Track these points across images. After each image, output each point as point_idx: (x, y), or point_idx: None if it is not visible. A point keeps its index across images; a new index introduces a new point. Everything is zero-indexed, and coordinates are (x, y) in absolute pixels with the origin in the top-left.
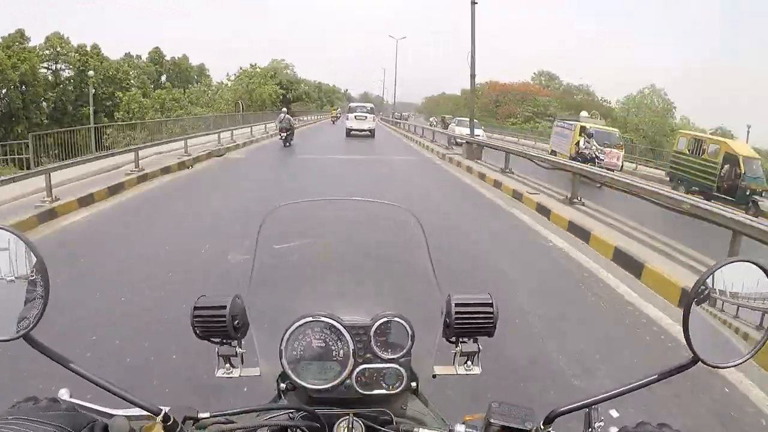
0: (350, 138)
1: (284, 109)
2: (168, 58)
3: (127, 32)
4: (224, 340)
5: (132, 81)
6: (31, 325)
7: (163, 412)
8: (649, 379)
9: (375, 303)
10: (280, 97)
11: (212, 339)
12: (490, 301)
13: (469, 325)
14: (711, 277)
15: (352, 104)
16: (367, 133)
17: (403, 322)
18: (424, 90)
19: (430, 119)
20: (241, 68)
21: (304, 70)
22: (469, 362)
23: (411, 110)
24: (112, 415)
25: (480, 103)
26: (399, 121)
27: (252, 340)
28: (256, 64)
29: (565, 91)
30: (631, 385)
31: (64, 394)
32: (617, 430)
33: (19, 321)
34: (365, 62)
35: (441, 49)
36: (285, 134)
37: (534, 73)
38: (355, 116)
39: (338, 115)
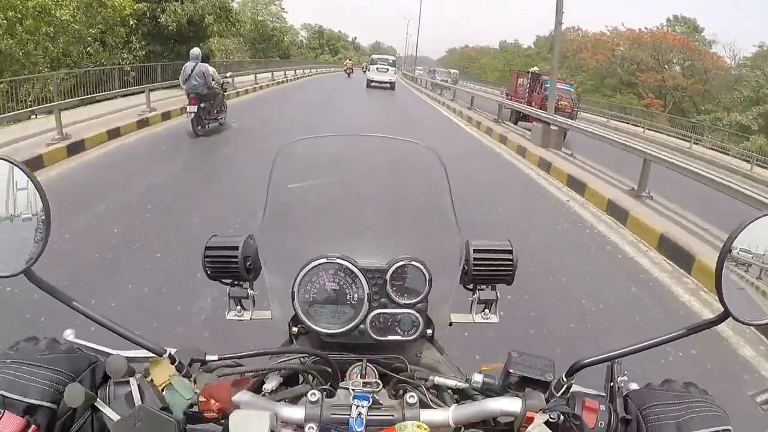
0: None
1: (195, 51)
2: None
3: None
4: (236, 282)
5: None
6: (32, 261)
7: (168, 352)
8: (676, 333)
9: (392, 246)
10: (129, 23)
11: (223, 280)
12: (510, 248)
13: (487, 272)
14: (743, 232)
15: (374, 56)
16: (387, 85)
17: (420, 266)
18: (442, 44)
19: None
20: None
21: (300, 12)
22: (486, 310)
23: (426, 66)
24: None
25: (589, 60)
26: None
27: (264, 282)
28: None
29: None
30: (658, 339)
31: (69, 334)
32: (642, 386)
33: (20, 257)
34: (376, 7)
35: None
36: (196, 107)
37: (668, 19)
38: (377, 68)
39: (352, 67)
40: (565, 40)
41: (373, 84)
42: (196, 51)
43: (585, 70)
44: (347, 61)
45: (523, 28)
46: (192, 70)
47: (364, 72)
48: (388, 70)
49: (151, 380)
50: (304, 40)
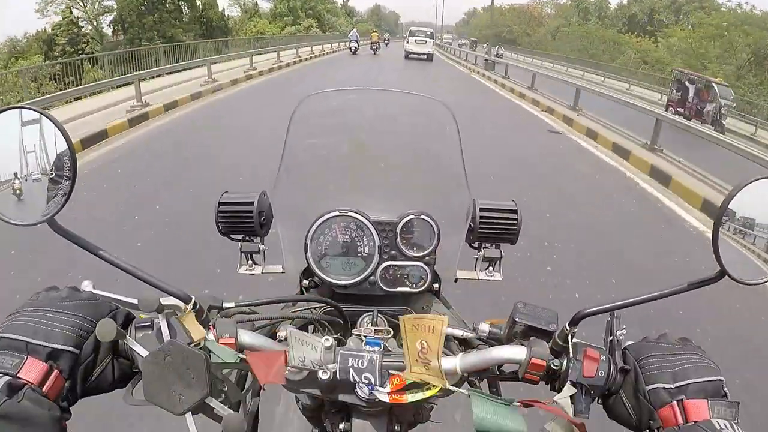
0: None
1: None
2: None
3: None
4: (246, 237)
5: None
6: (56, 210)
7: (192, 299)
8: (676, 288)
9: (403, 201)
10: None
11: (233, 236)
12: (515, 209)
13: (492, 231)
14: (739, 194)
15: (413, 28)
16: (425, 57)
17: (429, 220)
18: (457, 6)
19: None
20: None
21: None
22: (490, 268)
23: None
24: (134, 304)
25: None
26: None
27: (273, 238)
28: None
29: None
30: (656, 294)
31: (87, 285)
32: (639, 340)
33: (45, 205)
34: None
35: None
36: None
37: None
38: (415, 40)
39: (378, 41)
40: None
41: (411, 56)
42: None
43: None
44: (372, 34)
45: None
46: None
47: (375, 49)
48: (426, 42)
49: (179, 319)
50: (263, 8)
